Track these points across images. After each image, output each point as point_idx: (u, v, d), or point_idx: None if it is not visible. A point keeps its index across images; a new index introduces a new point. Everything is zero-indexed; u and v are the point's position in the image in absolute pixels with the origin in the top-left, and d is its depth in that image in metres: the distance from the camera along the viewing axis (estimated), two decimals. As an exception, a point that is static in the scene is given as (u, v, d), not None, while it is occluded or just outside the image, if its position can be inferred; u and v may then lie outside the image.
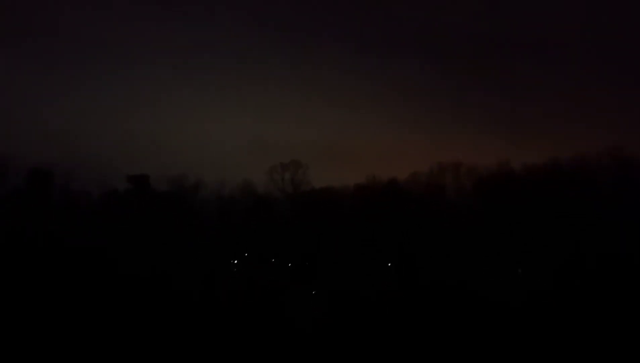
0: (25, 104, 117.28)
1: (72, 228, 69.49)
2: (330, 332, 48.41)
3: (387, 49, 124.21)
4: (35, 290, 56.53)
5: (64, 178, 72.44)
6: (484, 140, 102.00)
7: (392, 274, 73.09)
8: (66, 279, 62.08)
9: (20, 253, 62.34)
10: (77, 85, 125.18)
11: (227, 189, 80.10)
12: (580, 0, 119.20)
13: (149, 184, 78.67)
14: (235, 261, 78.96)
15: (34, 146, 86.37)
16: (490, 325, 45.42)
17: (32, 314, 51.40)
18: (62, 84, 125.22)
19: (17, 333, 47.86)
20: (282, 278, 69.57)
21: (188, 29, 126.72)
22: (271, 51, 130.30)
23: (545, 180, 70.60)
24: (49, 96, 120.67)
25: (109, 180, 76.93)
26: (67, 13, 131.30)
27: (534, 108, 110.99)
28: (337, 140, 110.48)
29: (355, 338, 47.47)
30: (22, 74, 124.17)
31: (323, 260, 73.32)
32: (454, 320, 46.31)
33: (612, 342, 42.06)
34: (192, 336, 49.86)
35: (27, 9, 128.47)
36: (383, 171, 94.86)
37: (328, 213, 76.41)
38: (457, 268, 72.41)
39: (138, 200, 76.62)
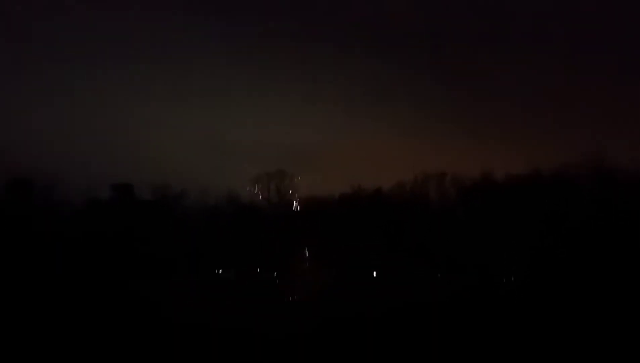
0: (4, 112, 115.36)
1: (53, 237, 68.50)
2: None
3: (368, 49, 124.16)
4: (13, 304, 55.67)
5: (46, 187, 71.46)
6: (468, 148, 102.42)
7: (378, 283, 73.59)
8: (46, 290, 61.28)
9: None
10: (56, 92, 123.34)
11: (212, 197, 79.86)
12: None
13: (133, 193, 78.16)
14: (220, 271, 78.62)
15: (14, 154, 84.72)
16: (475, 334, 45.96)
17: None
18: (42, 91, 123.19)
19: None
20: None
21: (172, 33, 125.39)
22: (256, 53, 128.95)
23: (527, 189, 71.33)
24: (29, 103, 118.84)
25: (92, 189, 75.94)
26: (41, 18, 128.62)
27: (515, 116, 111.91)
28: (322, 145, 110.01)
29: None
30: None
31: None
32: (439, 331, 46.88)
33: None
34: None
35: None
36: (368, 178, 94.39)
37: (314, 222, 76.51)
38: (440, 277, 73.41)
39: (122, 209, 75.98)
